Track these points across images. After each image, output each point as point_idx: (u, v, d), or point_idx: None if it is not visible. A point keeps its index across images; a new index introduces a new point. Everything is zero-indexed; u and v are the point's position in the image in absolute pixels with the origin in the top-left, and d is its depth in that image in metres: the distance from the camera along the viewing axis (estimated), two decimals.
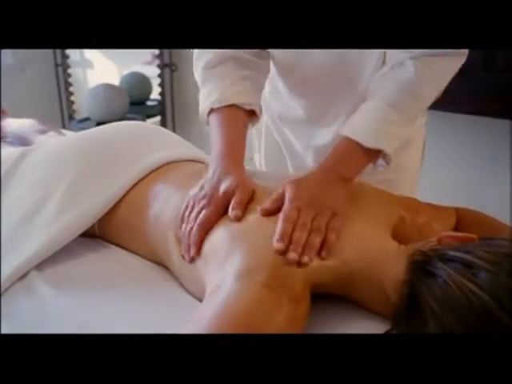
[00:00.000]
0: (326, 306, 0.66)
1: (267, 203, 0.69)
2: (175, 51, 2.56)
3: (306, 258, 0.62)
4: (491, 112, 1.61)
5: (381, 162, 0.82)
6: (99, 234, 0.88)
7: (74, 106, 2.61)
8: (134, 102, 2.49)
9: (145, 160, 0.88)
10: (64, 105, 2.60)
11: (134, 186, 0.85)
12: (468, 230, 0.86)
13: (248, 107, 0.86)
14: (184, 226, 0.73)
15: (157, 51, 2.56)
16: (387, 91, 0.79)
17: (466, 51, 0.81)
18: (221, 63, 0.88)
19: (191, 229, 0.71)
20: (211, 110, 0.85)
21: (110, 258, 0.83)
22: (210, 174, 0.77)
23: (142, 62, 2.86)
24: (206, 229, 0.69)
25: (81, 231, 0.81)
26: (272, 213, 0.68)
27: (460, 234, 0.65)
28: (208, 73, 0.88)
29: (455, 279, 0.56)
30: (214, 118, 0.85)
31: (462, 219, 0.90)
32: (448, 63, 0.80)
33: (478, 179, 1.86)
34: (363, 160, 0.78)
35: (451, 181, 1.80)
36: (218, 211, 0.71)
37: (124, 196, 0.85)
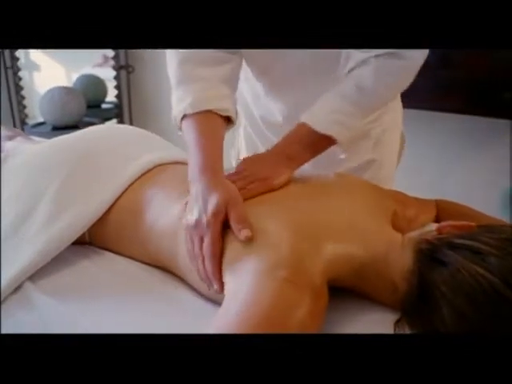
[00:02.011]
0: (336, 298, 0.67)
1: None
2: (131, 52, 2.52)
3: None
4: (449, 108, 1.70)
5: (338, 151, 0.88)
6: (90, 240, 0.85)
7: (25, 110, 2.51)
8: (88, 105, 2.43)
9: (134, 163, 0.87)
10: (15, 109, 2.49)
11: (126, 189, 0.84)
12: (449, 220, 0.91)
13: (224, 113, 0.80)
14: (195, 262, 0.68)
15: (109, 53, 2.51)
16: (344, 87, 0.83)
17: (421, 55, 0.83)
18: (196, 57, 0.82)
19: (202, 262, 0.67)
20: (184, 116, 0.79)
21: (105, 264, 0.81)
22: (194, 193, 0.71)
23: (93, 64, 2.79)
24: (216, 258, 0.66)
25: (75, 238, 0.79)
26: None
27: (459, 222, 0.68)
28: (183, 70, 0.81)
29: (465, 265, 0.58)
30: (188, 125, 0.78)
31: (442, 211, 0.95)
32: (405, 66, 0.83)
33: (437, 172, 1.95)
34: (313, 144, 0.83)
35: (411, 174, 1.87)
36: (216, 235, 0.66)
37: (116, 200, 0.83)
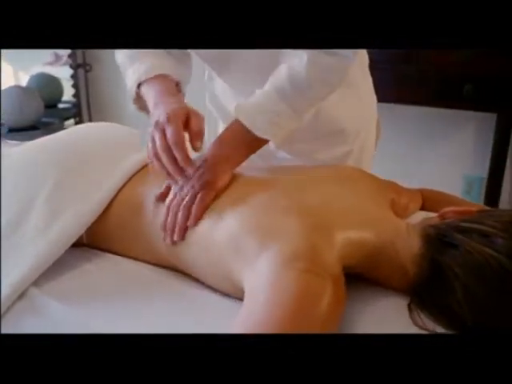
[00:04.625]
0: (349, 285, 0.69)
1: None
2: (88, 50, 2.45)
3: (175, 237, 0.73)
4: (413, 100, 1.76)
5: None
6: (87, 242, 0.83)
7: None
8: (44, 105, 2.34)
9: (129, 159, 0.85)
10: None
11: (124, 184, 0.82)
12: (434, 208, 0.95)
13: (176, 77, 0.87)
14: (161, 158, 0.73)
15: (60, 51, 2.43)
16: (280, 82, 0.81)
17: (353, 54, 0.82)
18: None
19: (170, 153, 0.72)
20: (139, 86, 0.85)
21: (108, 265, 0.79)
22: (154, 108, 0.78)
23: (43, 62, 2.69)
24: (182, 144, 0.72)
25: (76, 237, 0.77)
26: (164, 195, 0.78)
27: (461, 208, 0.71)
28: (133, 53, 0.89)
29: (475, 247, 0.62)
30: (145, 88, 0.85)
31: (427, 199, 0.99)
32: (337, 62, 0.81)
33: (403, 162, 2.02)
34: (248, 144, 0.82)
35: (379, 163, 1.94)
36: (179, 126, 0.72)
37: (115, 196, 0.81)
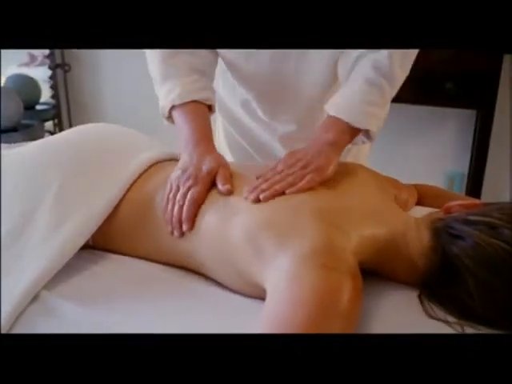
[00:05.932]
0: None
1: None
2: (67, 50, 2.41)
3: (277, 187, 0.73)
4: (396, 98, 1.79)
5: (362, 138, 0.92)
6: (93, 244, 0.82)
7: None
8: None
9: (132, 161, 0.85)
10: None
11: (133, 183, 0.82)
12: (432, 202, 0.98)
13: (207, 102, 0.90)
14: (170, 205, 0.76)
15: (36, 51, 2.39)
16: (367, 74, 0.87)
17: None
18: (176, 53, 0.90)
19: (181, 206, 0.74)
20: (173, 107, 0.89)
21: (114, 266, 0.79)
22: (187, 158, 0.81)
23: (18, 63, 2.64)
24: (198, 204, 0.75)
25: (85, 241, 0.76)
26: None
27: (466, 201, 0.74)
28: (167, 65, 0.90)
29: (484, 238, 0.64)
30: (178, 113, 0.89)
31: (425, 194, 1.02)
32: (410, 50, 0.90)
33: (387, 158, 2.05)
34: (348, 136, 0.86)
35: None
36: (206, 188, 0.76)
37: (121, 200, 0.81)
